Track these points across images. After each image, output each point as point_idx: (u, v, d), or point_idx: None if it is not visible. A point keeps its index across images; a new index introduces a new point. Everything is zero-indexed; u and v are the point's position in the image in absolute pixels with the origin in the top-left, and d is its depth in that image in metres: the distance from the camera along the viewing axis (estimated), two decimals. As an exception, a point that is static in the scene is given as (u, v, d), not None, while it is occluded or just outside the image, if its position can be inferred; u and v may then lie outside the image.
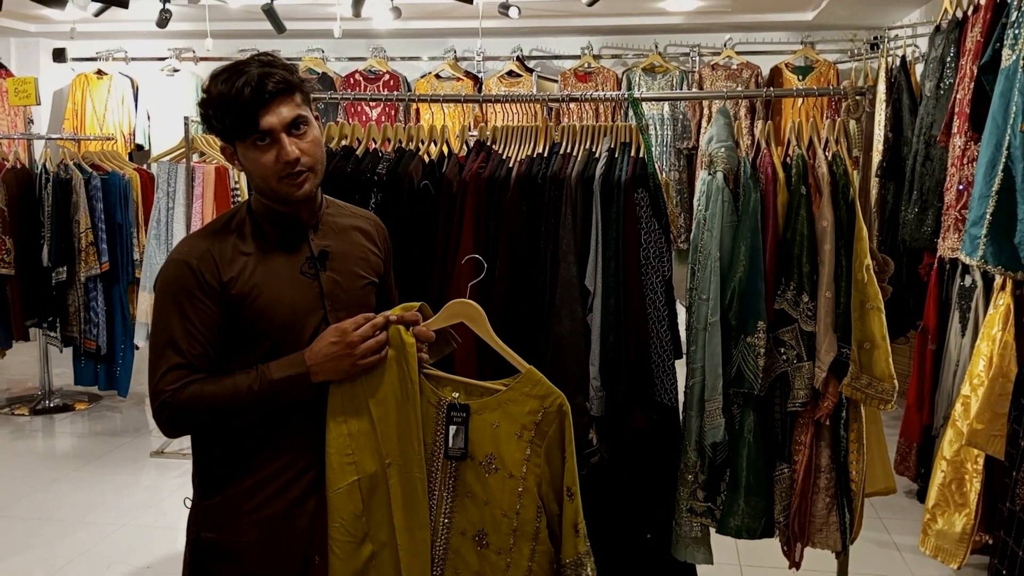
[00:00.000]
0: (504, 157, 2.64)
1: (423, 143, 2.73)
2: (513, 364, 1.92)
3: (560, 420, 1.89)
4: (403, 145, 2.74)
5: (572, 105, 6.33)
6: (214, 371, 1.77)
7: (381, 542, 1.87)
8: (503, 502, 1.89)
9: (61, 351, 5.62)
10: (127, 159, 6.38)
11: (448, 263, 2.57)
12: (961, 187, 3.65)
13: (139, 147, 7.40)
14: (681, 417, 2.56)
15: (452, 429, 1.89)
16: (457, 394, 1.92)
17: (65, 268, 5.31)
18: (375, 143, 2.78)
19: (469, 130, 4.04)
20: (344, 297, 1.88)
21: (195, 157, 5.00)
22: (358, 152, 2.72)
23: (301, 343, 1.80)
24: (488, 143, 2.71)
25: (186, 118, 4.87)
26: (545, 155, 2.62)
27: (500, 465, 1.89)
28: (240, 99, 1.69)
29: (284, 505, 1.84)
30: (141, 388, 5.95)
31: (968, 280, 3.68)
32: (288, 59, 1.79)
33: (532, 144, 2.67)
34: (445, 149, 2.73)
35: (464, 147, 2.76)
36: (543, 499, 1.90)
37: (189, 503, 1.91)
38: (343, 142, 2.78)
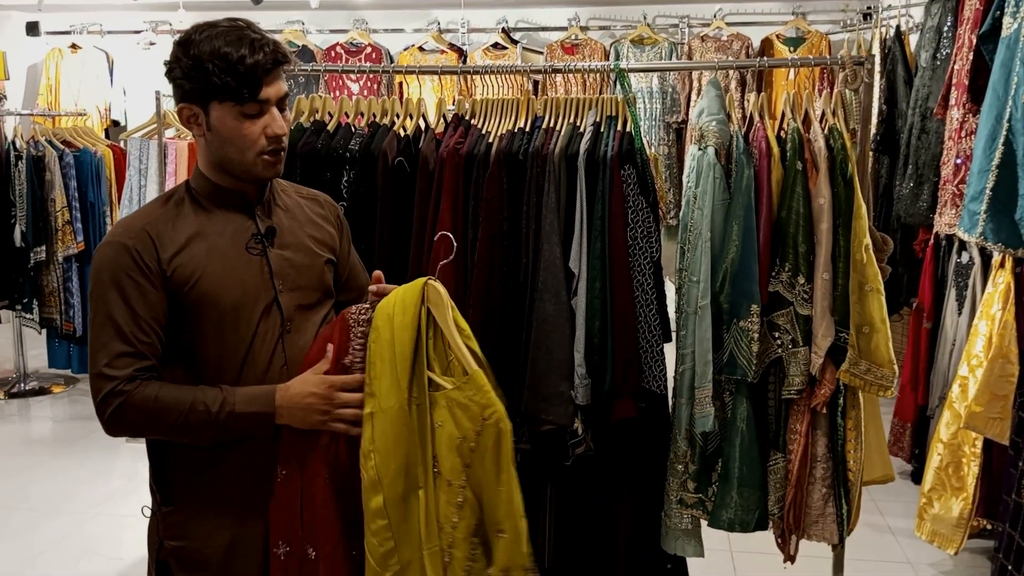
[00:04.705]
0: (484, 132, 2.50)
1: (398, 117, 2.59)
2: (461, 362, 1.74)
3: (496, 437, 1.69)
4: (377, 119, 2.60)
5: (558, 77, 6.17)
6: (160, 361, 1.65)
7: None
8: (440, 512, 1.72)
9: (40, 332, 5.47)
10: (103, 135, 6.20)
11: (425, 244, 2.44)
12: (959, 161, 3.53)
13: (115, 123, 7.20)
14: (671, 405, 2.44)
15: None
16: None
17: (44, 248, 5.18)
18: (348, 117, 2.64)
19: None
20: (296, 276, 1.76)
21: (168, 133, 4.83)
22: (330, 127, 2.58)
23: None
24: (467, 117, 2.57)
25: (158, 92, 4.69)
26: (527, 130, 2.49)
27: (440, 468, 1.72)
28: (249, 61, 1.58)
29: (250, 500, 1.73)
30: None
31: (965, 257, 3.58)
32: (267, 31, 1.66)
33: (513, 118, 2.53)
34: (421, 123, 2.59)
35: (442, 121, 2.62)
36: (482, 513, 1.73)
37: (148, 511, 1.79)
38: (314, 116, 2.63)
